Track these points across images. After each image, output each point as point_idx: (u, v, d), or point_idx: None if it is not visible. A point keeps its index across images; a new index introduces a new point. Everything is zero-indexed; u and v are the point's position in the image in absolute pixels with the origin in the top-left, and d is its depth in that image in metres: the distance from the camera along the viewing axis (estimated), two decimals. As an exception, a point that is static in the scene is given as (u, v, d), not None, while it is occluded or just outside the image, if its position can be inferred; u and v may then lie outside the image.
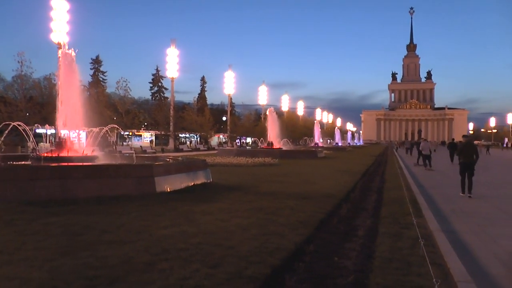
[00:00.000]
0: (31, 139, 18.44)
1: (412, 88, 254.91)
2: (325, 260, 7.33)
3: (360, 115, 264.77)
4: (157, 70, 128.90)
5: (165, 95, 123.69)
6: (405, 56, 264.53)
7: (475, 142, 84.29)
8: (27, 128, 18.58)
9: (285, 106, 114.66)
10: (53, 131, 24.33)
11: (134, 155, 19.01)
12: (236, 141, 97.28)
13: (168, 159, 19.51)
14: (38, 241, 7.51)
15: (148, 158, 23.11)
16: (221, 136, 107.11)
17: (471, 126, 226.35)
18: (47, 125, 30.26)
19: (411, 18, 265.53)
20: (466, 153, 16.16)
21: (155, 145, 79.84)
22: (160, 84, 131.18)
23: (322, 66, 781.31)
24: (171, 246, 7.29)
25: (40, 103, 47.24)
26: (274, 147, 48.84)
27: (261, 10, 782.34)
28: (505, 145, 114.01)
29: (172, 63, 67.85)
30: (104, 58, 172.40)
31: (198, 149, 70.63)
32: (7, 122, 18.07)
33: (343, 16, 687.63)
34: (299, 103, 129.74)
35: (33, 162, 15.89)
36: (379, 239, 8.77)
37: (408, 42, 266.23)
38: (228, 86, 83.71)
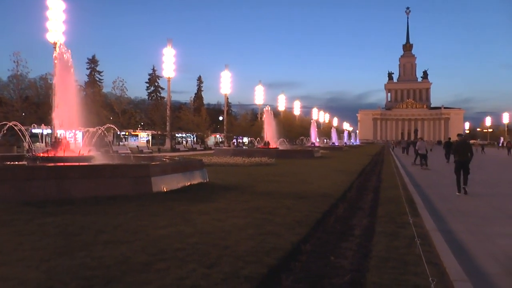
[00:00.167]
0: (27, 139, 18.39)
1: (409, 87, 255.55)
2: (322, 259, 7.34)
3: (357, 114, 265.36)
4: (154, 70, 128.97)
5: (162, 95, 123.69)
6: (401, 56, 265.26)
7: (471, 141, 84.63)
8: (23, 128, 18.53)
9: (281, 106, 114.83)
10: (49, 131, 24.30)
11: (130, 155, 19.00)
12: (233, 140, 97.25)
13: (164, 159, 19.50)
14: (34, 241, 7.49)
15: (145, 158, 23.10)
16: (217, 136, 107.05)
17: (467, 125, 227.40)
18: (43, 125, 30.19)
19: (407, 18, 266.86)
20: (460, 151, 16.35)
21: (151, 145, 79.69)
22: (156, 84, 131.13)
23: (319, 66, 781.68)
24: (168, 246, 7.29)
25: (36, 103, 47.05)
26: (271, 146, 48.78)
27: (257, 10, 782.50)
28: (500, 145, 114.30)
29: (169, 63, 67.85)
30: (100, 57, 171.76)
31: (195, 149, 70.62)
32: (3, 122, 18.06)
33: (340, 15, 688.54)
34: (295, 102, 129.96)
35: (29, 162, 15.85)
36: (375, 238, 8.79)
37: (404, 41, 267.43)
38: (224, 86, 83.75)
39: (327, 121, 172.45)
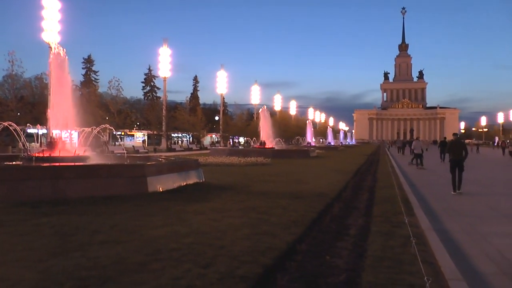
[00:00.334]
0: (22, 139, 18.31)
1: (404, 87, 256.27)
2: (317, 259, 7.36)
3: (353, 114, 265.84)
4: (150, 70, 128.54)
5: (158, 94, 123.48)
6: (397, 56, 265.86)
7: (466, 141, 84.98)
8: (18, 128, 18.45)
9: (277, 106, 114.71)
10: (44, 131, 24.22)
11: (126, 155, 18.96)
12: (229, 140, 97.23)
13: (160, 159, 19.47)
14: (29, 241, 7.47)
15: (141, 158, 23.04)
16: (213, 135, 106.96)
17: (462, 125, 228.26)
18: (38, 125, 30.12)
19: (403, 18, 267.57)
20: (455, 150, 16.50)
21: (147, 145, 79.57)
22: (152, 83, 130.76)
23: (315, 66, 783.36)
24: (163, 246, 7.28)
25: (31, 103, 46.96)
26: (267, 146, 48.76)
27: (253, 10, 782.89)
28: (495, 144, 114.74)
29: (165, 63, 67.67)
30: (96, 57, 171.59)
31: (191, 149, 70.47)
32: (-2, 122, 17.92)
33: (336, 15, 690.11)
34: (291, 102, 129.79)
35: (24, 163, 15.78)
36: (371, 237, 8.81)
37: (400, 41, 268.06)
38: (220, 85, 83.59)
39: (323, 121, 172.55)
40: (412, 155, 34.63)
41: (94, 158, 17.35)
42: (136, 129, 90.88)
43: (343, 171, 25.57)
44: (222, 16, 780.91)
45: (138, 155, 33.31)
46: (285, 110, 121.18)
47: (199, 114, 76.97)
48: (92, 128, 18.95)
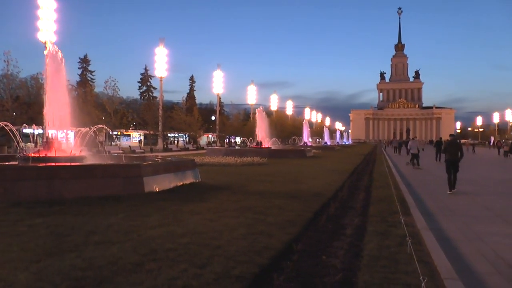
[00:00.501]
0: (17, 139, 18.24)
1: (401, 87, 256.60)
2: (313, 258, 7.36)
3: (349, 114, 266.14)
4: (146, 70, 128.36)
5: (154, 94, 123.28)
6: (393, 56, 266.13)
7: (462, 141, 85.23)
8: (13, 128, 18.37)
9: (274, 106, 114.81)
10: (40, 131, 24.09)
11: (122, 155, 18.92)
12: (226, 140, 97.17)
13: (156, 159, 19.44)
14: (24, 242, 7.44)
15: (137, 158, 23.00)
16: (210, 135, 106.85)
17: (458, 125, 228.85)
18: (34, 125, 29.95)
19: (399, 18, 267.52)
20: (451, 151, 16.57)
21: (144, 145, 79.47)
22: (148, 83, 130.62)
23: (311, 66, 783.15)
24: (159, 246, 7.27)
25: (27, 103, 46.69)
26: (263, 146, 48.80)
27: (249, 10, 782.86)
28: (491, 144, 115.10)
29: (161, 63, 67.57)
30: (92, 57, 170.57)
31: (187, 149, 70.46)
32: (-6, 123, 17.84)
33: (332, 15, 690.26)
34: (288, 102, 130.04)
35: (20, 163, 15.73)
36: (367, 237, 8.81)
37: (396, 41, 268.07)
38: (217, 85, 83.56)
39: (319, 120, 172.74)
40: (410, 155, 34.70)
41: (90, 158, 17.30)
42: (132, 129, 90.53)
43: (340, 171, 25.59)
44: (218, 16, 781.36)
45: (135, 155, 33.24)
46: (281, 110, 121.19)
47: (196, 114, 76.85)
48: (88, 128, 18.92)
